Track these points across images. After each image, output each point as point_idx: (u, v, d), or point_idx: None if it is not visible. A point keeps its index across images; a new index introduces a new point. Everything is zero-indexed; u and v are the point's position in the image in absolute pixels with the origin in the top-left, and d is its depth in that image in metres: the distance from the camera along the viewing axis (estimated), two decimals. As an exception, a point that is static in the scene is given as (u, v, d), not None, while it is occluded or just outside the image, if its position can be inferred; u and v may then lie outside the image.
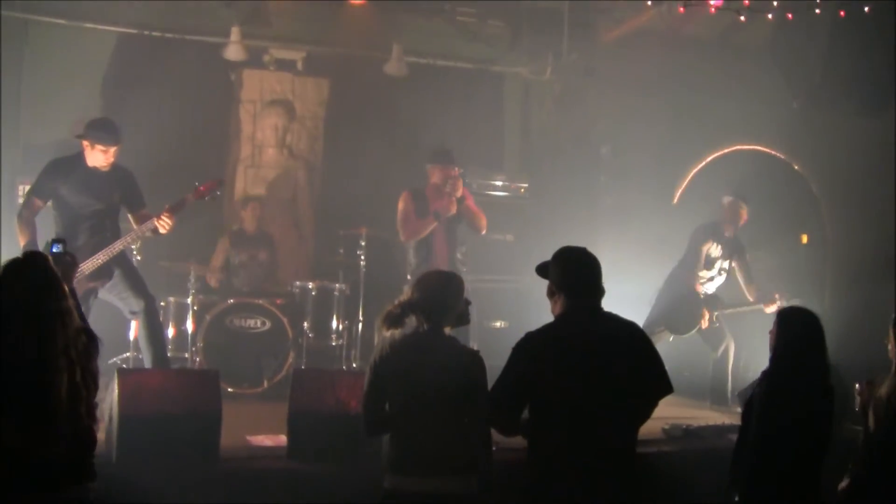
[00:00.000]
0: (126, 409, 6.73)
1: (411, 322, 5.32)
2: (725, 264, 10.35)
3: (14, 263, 4.58)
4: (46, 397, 4.30)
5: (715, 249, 10.30)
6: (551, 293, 5.21)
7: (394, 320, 5.32)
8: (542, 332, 5.14)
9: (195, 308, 9.92)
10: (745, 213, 10.33)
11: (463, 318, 5.48)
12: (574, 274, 5.16)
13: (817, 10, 7.94)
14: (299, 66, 12.12)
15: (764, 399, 5.59)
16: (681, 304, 10.16)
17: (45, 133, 10.65)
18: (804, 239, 11.61)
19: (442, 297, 5.37)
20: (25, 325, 4.33)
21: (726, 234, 10.32)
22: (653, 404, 5.19)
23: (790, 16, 8.17)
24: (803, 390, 5.53)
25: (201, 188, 8.41)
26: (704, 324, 10.12)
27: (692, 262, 10.27)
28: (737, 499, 5.61)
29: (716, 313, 10.20)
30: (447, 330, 5.39)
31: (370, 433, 5.45)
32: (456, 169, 9.41)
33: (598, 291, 5.16)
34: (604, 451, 4.90)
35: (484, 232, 9.61)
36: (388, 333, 5.34)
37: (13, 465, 4.30)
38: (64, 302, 4.49)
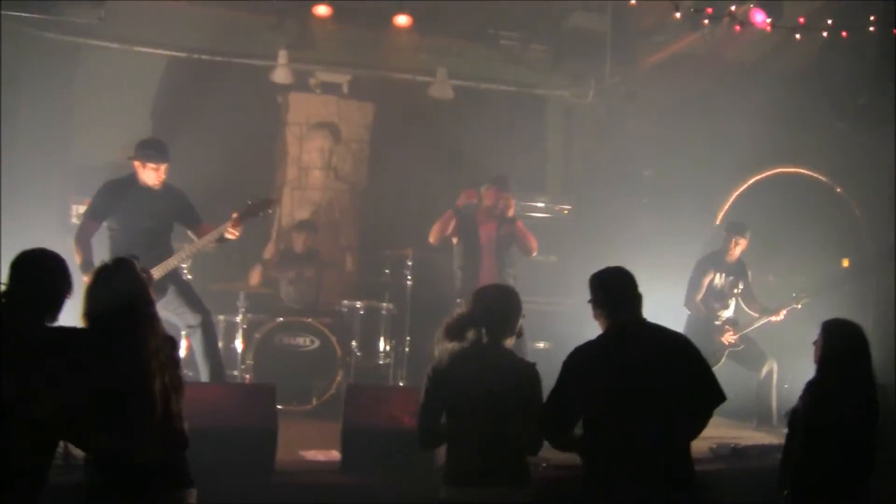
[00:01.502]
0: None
1: (470, 335, 5.39)
2: (735, 290, 10.51)
3: (105, 269, 4.71)
4: (143, 398, 4.39)
5: (719, 279, 10.50)
6: (596, 314, 5.37)
7: (455, 333, 5.40)
8: (590, 346, 5.26)
9: (245, 327, 10.06)
10: (743, 243, 10.50)
11: (520, 331, 5.55)
12: (607, 292, 5.33)
13: (872, 28, 7.99)
14: (345, 89, 12.27)
15: (810, 409, 5.67)
16: (698, 335, 10.24)
17: (96, 155, 10.81)
18: (845, 263, 11.62)
19: (501, 311, 5.45)
20: (120, 328, 4.44)
21: (728, 261, 10.50)
22: (708, 413, 5.27)
23: (845, 33, 8.22)
24: (849, 400, 5.60)
25: (261, 205, 8.56)
26: (729, 340, 10.21)
27: (693, 293, 10.43)
28: (786, 508, 5.65)
29: (737, 335, 10.28)
30: (506, 343, 5.46)
31: (425, 444, 5.53)
32: (510, 193, 9.67)
33: (635, 303, 5.31)
34: (659, 463, 4.96)
35: (535, 254, 9.88)
36: (448, 346, 5.42)
37: (113, 469, 4.39)
38: (153, 307, 4.62)
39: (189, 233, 8.65)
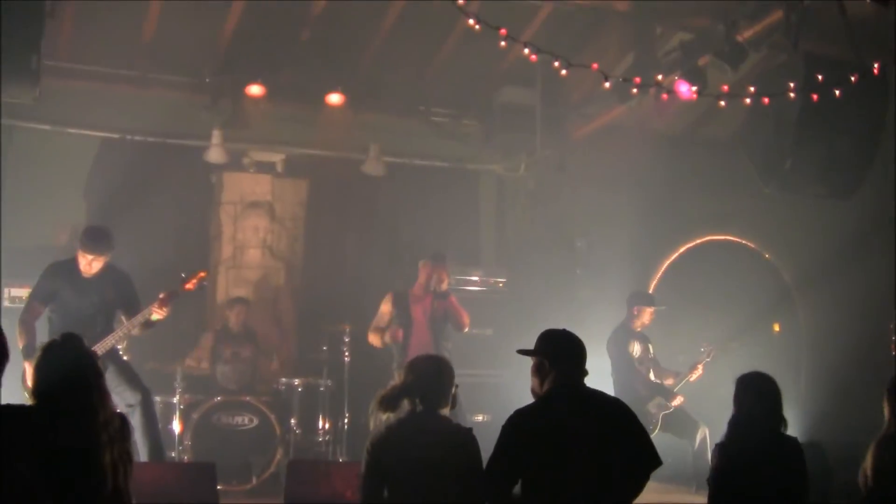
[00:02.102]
0: None
1: (405, 405, 5.45)
2: (650, 354, 10.71)
3: (53, 344, 4.70)
4: (92, 473, 4.37)
5: (636, 347, 10.66)
6: (538, 370, 5.39)
7: (389, 403, 5.45)
8: (531, 408, 5.30)
9: (182, 407, 9.98)
10: (648, 312, 10.72)
11: (454, 401, 5.59)
12: (564, 352, 5.37)
13: (792, 95, 8.22)
14: (279, 167, 12.32)
15: (718, 471, 5.70)
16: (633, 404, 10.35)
17: (28, 237, 10.65)
18: (776, 328, 11.83)
19: (436, 380, 5.49)
20: (69, 401, 4.41)
21: (637, 330, 10.71)
22: (644, 478, 5.30)
23: (766, 100, 8.44)
24: (760, 453, 5.62)
25: (190, 280, 8.58)
26: (661, 406, 10.34)
27: (626, 362, 10.57)
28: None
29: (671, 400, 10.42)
30: (442, 412, 5.49)
31: None
32: (444, 268, 9.85)
33: (583, 370, 5.36)
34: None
35: (466, 329, 10.04)
36: (383, 417, 5.44)
37: None
38: (102, 380, 4.61)
39: (123, 318, 8.63)
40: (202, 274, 8.79)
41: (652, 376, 10.65)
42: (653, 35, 10.14)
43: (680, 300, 11.67)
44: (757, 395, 5.77)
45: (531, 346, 5.49)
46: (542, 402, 5.31)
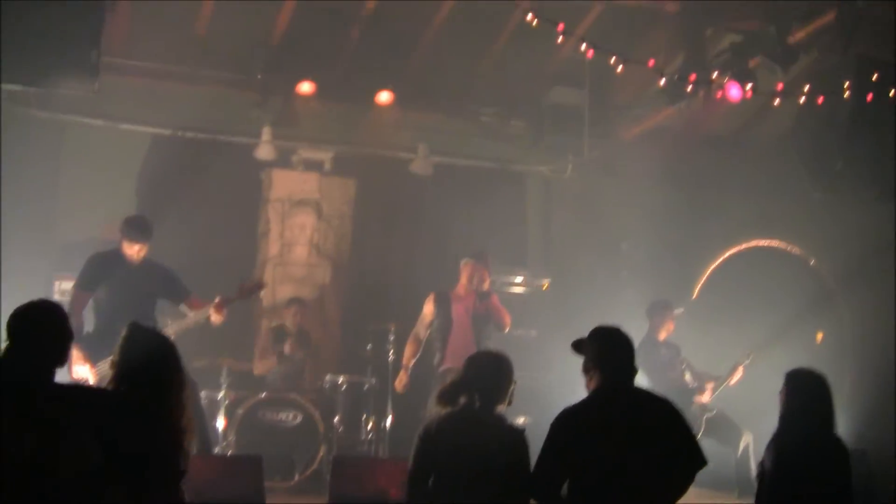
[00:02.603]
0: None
1: (462, 400, 5.47)
2: (682, 364, 10.71)
3: (138, 325, 4.77)
4: (168, 462, 4.40)
5: (663, 356, 10.71)
6: (587, 369, 5.39)
7: (448, 398, 5.47)
8: (578, 407, 5.31)
9: (227, 402, 10.06)
10: (670, 319, 10.80)
11: (511, 399, 5.61)
12: (611, 351, 5.37)
13: (846, 94, 8.18)
14: (327, 166, 12.36)
15: (773, 463, 5.68)
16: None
17: (80, 231, 10.83)
18: (819, 337, 11.75)
19: (494, 376, 5.53)
20: (152, 388, 4.46)
21: (662, 339, 10.72)
22: (689, 478, 5.28)
23: (821, 99, 8.41)
24: (813, 451, 5.62)
25: (248, 290, 8.69)
26: (703, 401, 10.30)
27: (657, 367, 10.48)
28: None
29: (711, 392, 10.39)
30: (498, 409, 5.51)
31: None
32: (486, 267, 9.81)
33: (633, 369, 5.36)
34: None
35: (507, 329, 9.91)
36: (440, 410, 5.48)
37: None
38: (182, 374, 4.65)
39: (181, 307, 8.76)
40: (261, 286, 9.02)
41: (688, 379, 10.61)
42: (703, 36, 10.10)
43: (723, 304, 11.62)
44: (810, 392, 5.75)
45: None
46: (591, 399, 5.32)
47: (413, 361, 9.87)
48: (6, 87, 9.23)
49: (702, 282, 12.73)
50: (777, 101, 8.41)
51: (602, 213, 12.74)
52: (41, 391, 4.18)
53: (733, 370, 10.40)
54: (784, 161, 10.56)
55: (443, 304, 9.87)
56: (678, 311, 10.80)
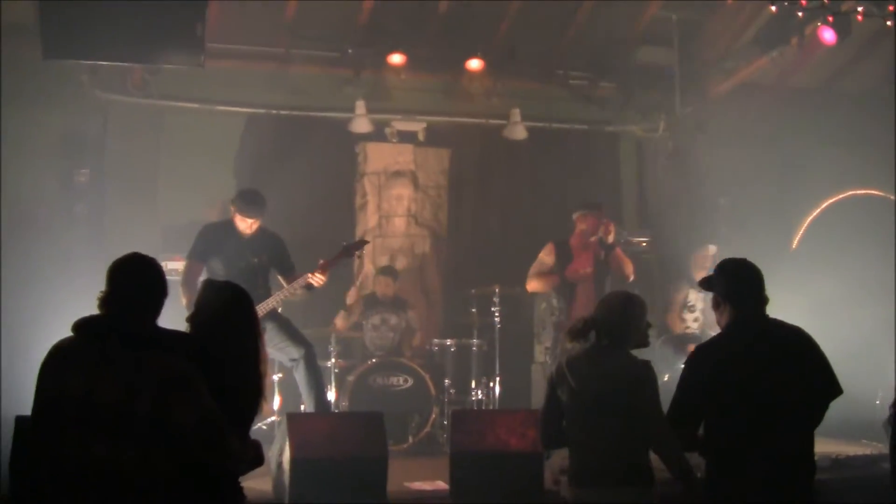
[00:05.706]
0: (299, 454, 6.96)
1: (591, 337, 5.51)
2: (703, 305, 10.63)
3: (213, 281, 4.94)
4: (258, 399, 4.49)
5: (692, 295, 10.74)
6: (716, 304, 5.35)
7: (577, 334, 5.53)
8: (712, 343, 5.32)
9: (336, 371, 10.25)
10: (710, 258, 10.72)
11: (643, 340, 5.63)
12: (739, 284, 5.28)
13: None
14: (420, 136, 12.48)
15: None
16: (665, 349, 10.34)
17: (181, 214, 11.05)
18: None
19: (620, 315, 5.53)
20: (235, 331, 4.52)
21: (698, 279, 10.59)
22: (824, 407, 5.22)
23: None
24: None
25: (351, 246, 8.84)
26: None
27: (665, 309, 10.80)
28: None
29: None
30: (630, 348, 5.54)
31: (547, 445, 5.74)
32: (605, 218, 9.73)
33: (763, 300, 5.27)
34: (783, 457, 4.99)
35: (632, 279, 9.72)
36: (570, 347, 5.56)
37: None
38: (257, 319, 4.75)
39: (280, 278, 8.93)
40: (364, 243, 9.18)
41: (697, 324, 10.73)
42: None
43: (824, 253, 11.54)
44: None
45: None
46: (723, 335, 5.28)
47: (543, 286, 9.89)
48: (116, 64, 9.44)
49: (801, 233, 12.64)
50: (890, 24, 8.32)
51: (696, 169, 12.72)
52: (139, 335, 4.24)
53: None
54: (875, 111, 10.49)
55: (564, 255, 9.75)
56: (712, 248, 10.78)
